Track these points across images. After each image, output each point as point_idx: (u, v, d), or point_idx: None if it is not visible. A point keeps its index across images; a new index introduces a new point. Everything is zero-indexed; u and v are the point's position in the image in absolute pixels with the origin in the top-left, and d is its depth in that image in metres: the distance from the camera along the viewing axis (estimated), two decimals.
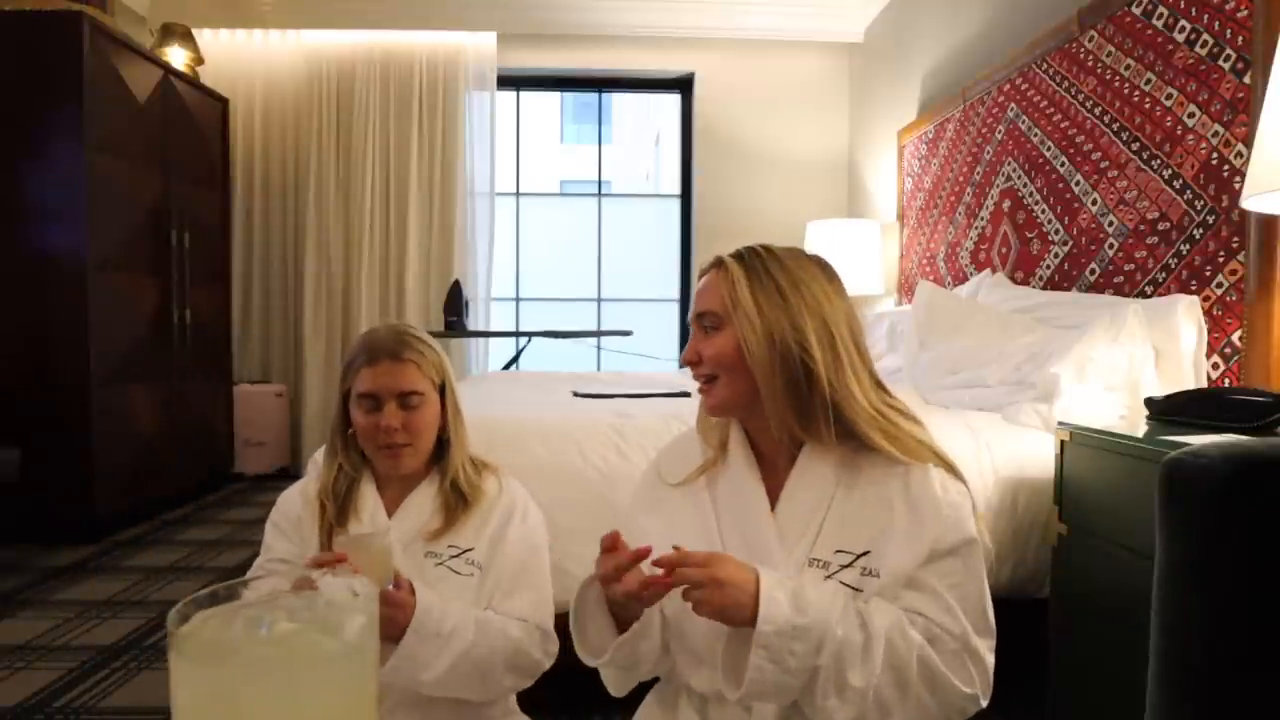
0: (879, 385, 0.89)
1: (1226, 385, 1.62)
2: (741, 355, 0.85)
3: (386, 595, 0.94)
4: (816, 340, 0.84)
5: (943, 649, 0.78)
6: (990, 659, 0.80)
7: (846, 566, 0.82)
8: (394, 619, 0.94)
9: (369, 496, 1.10)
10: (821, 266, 0.90)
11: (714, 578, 0.76)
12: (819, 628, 0.75)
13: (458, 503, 1.09)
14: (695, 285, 0.94)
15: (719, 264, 0.90)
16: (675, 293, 4.72)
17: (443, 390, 1.13)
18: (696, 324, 0.91)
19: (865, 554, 0.83)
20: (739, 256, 0.89)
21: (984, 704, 0.79)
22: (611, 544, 0.81)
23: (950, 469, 0.85)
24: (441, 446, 1.13)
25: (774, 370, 0.84)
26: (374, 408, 1.06)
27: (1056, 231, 2.25)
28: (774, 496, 0.88)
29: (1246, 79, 1.58)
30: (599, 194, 4.90)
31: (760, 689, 0.76)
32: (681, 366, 0.91)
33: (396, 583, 0.96)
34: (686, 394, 2.28)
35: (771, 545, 0.85)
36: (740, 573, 0.77)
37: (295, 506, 1.11)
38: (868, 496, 0.84)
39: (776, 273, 0.86)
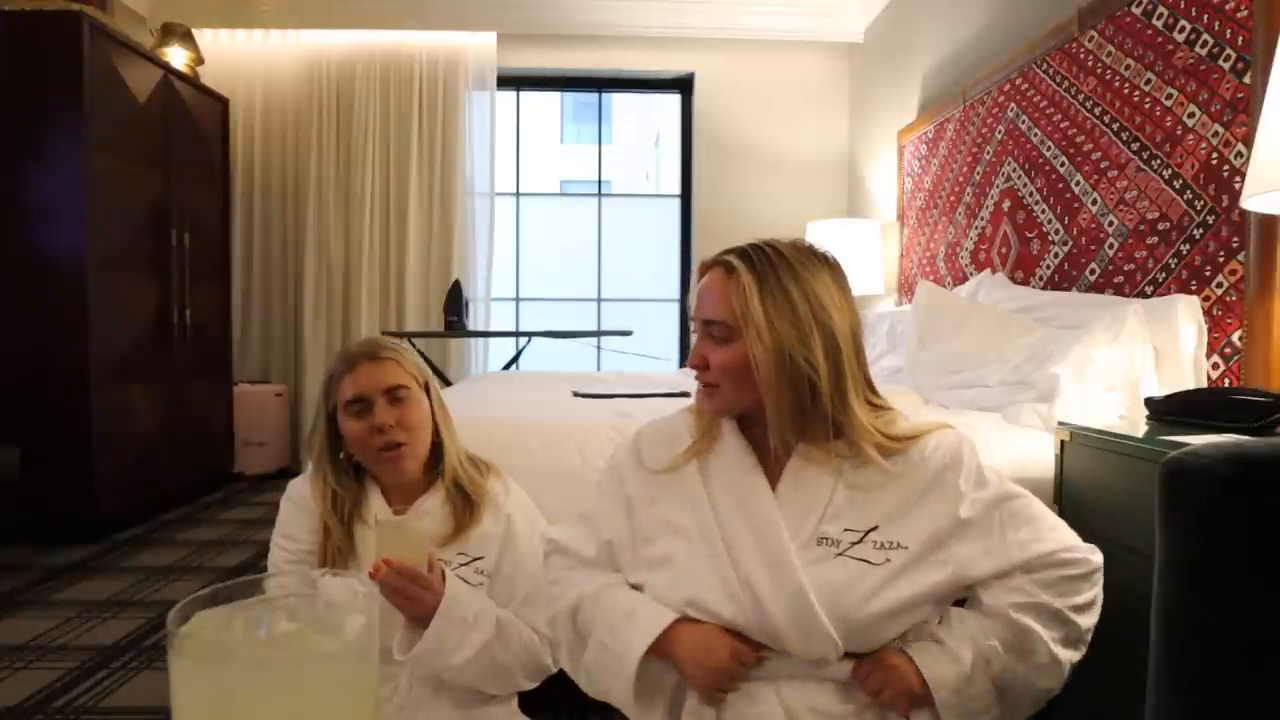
0: (870, 387, 0.91)
1: (1226, 385, 1.62)
2: (749, 368, 0.85)
3: (417, 576, 0.94)
4: (823, 357, 0.84)
5: (1047, 584, 0.85)
6: (1088, 552, 0.88)
7: (856, 543, 0.84)
8: (423, 601, 0.95)
9: (375, 508, 1.10)
10: (829, 266, 0.89)
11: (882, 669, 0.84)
12: (974, 653, 0.83)
13: (464, 504, 1.10)
14: (694, 281, 0.93)
15: (727, 268, 0.88)
16: (675, 293, 4.72)
17: (427, 390, 1.13)
18: (704, 330, 0.90)
19: (874, 529, 0.84)
20: (747, 258, 0.87)
21: (1099, 559, 0.88)
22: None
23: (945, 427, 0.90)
24: (435, 451, 1.13)
25: (781, 388, 0.84)
26: (364, 410, 1.06)
27: (1056, 231, 2.25)
28: (772, 481, 0.89)
29: (1246, 79, 1.58)
30: (599, 194, 4.89)
31: None
32: (682, 366, 0.92)
33: (429, 566, 0.97)
34: (686, 394, 2.27)
35: (776, 524, 0.85)
36: (893, 658, 0.85)
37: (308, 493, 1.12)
38: (875, 476, 0.86)
39: (787, 281, 0.85)
